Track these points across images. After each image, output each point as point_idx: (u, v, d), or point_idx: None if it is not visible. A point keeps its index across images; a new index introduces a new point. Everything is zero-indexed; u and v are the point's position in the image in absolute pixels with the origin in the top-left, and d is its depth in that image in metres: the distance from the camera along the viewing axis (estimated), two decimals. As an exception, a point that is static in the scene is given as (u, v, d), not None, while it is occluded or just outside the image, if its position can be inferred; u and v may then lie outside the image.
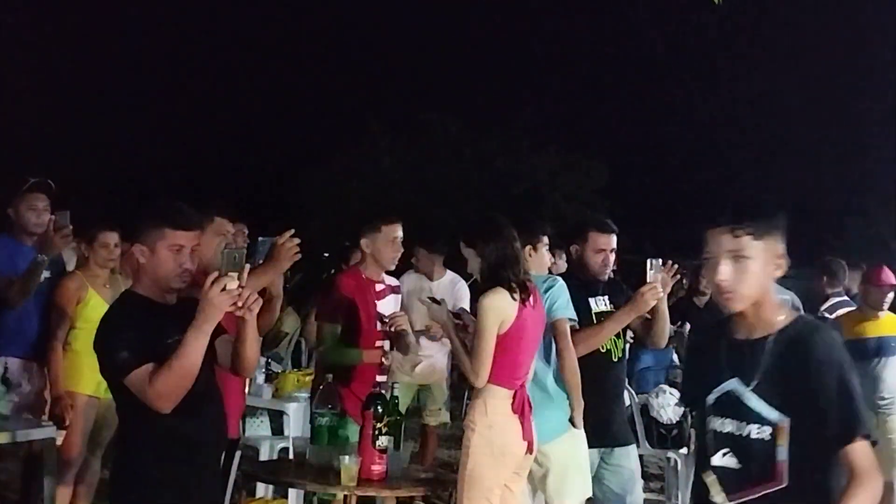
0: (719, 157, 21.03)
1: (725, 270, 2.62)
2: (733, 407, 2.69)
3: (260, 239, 4.67)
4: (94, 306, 5.66)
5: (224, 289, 3.15)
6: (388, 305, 5.25)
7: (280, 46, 21.90)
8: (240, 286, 3.19)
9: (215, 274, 3.19)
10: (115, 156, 21.11)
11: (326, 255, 18.79)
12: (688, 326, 7.87)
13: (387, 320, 5.14)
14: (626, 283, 5.54)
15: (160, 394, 3.15)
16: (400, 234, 5.21)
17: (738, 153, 21.06)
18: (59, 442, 5.43)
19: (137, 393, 3.19)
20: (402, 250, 5.28)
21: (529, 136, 20.39)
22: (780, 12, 18.57)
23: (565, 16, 20.78)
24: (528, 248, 4.81)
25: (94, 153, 20.74)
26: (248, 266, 3.30)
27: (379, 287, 5.22)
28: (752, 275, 2.63)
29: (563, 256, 6.10)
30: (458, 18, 21.70)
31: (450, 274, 7.48)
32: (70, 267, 6.07)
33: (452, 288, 7.41)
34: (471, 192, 20.07)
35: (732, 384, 2.70)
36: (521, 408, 4.40)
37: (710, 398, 2.77)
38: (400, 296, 5.54)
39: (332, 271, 8.34)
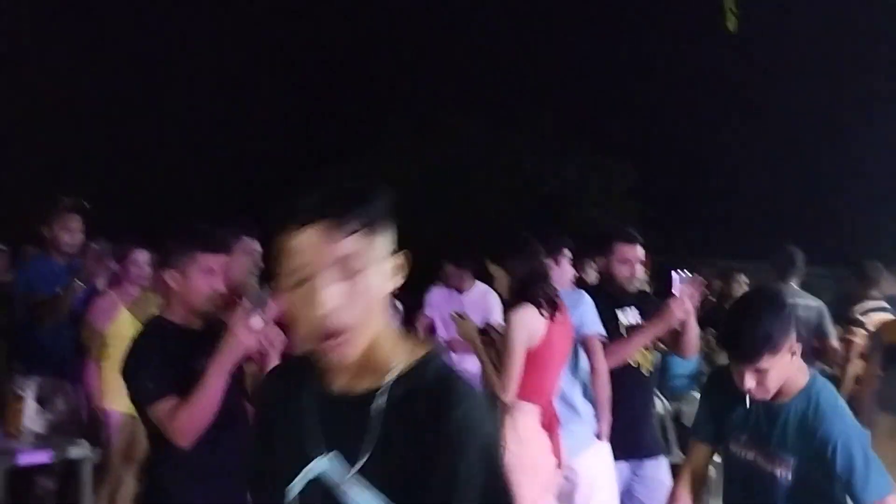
0: (749, 157, 20.87)
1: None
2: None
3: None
4: (126, 324, 5.72)
5: (250, 327, 3.20)
6: None
7: (301, 47, 21.94)
8: (265, 323, 3.24)
9: (242, 313, 3.22)
10: (143, 171, 21.30)
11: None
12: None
13: None
14: (658, 283, 5.52)
15: (181, 431, 3.17)
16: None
17: (766, 151, 20.88)
18: (94, 459, 5.50)
19: (159, 424, 3.22)
20: None
21: (556, 138, 20.30)
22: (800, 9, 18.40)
23: (591, 17, 20.68)
24: (549, 261, 4.81)
25: (124, 170, 20.94)
26: (273, 304, 3.33)
27: None
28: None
29: (594, 266, 6.09)
30: (482, 18, 21.65)
31: (480, 286, 7.45)
32: (102, 286, 6.14)
33: (483, 300, 7.39)
34: (496, 194, 19.99)
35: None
36: (550, 423, 4.41)
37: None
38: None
39: None
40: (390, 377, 1.78)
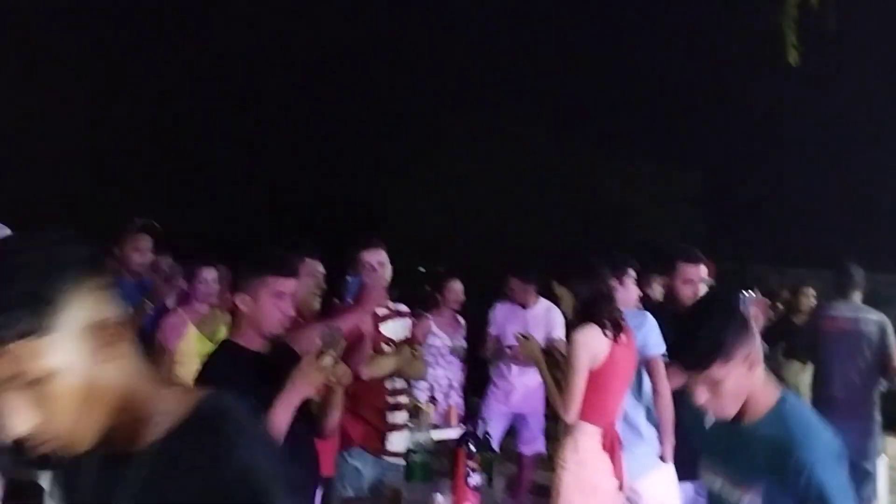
0: (819, 163, 20.53)
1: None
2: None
3: (349, 279, 4.78)
4: (194, 342, 5.82)
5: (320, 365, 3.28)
6: (393, 329, 5.21)
7: (362, 57, 22.11)
8: (334, 362, 3.32)
9: (314, 352, 3.31)
10: (210, 191, 21.66)
11: (422, 269, 18.94)
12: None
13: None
14: (724, 291, 5.49)
15: None
16: (381, 258, 5.03)
17: (832, 157, 20.53)
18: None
19: None
20: (388, 275, 5.04)
21: (619, 146, 20.19)
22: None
23: (656, 27, 20.54)
24: (614, 281, 4.81)
25: (192, 189, 21.34)
26: (343, 343, 3.39)
27: (381, 311, 5.12)
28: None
29: (660, 281, 6.06)
30: (545, 25, 21.61)
31: (544, 302, 7.43)
32: (171, 304, 6.25)
33: (546, 316, 7.37)
34: (558, 203, 19.94)
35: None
36: (612, 445, 4.41)
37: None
38: (407, 320, 5.38)
39: (429, 289, 8.33)
40: (150, 439, 1.59)
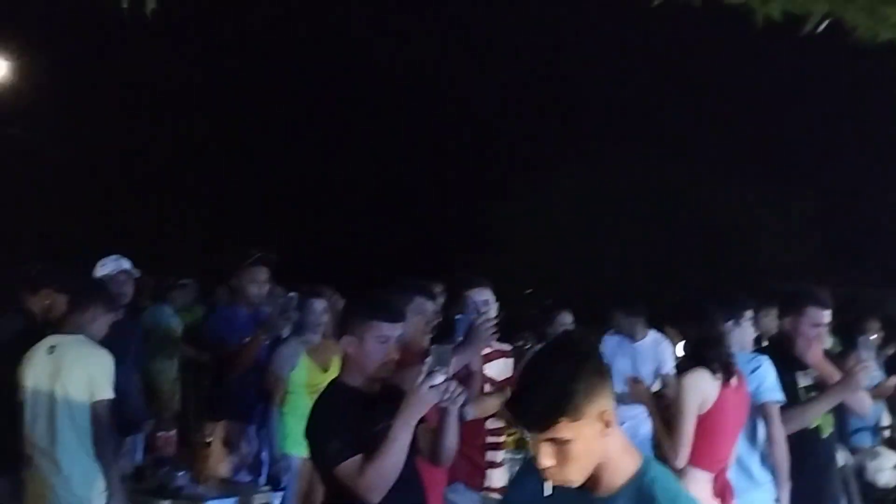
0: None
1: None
2: None
3: (457, 317, 4.84)
4: (307, 372, 5.95)
5: (433, 384, 3.32)
6: (496, 369, 5.20)
7: (468, 83, 22.24)
8: (447, 381, 3.35)
9: (426, 370, 3.35)
10: (328, 223, 22.12)
11: (529, 291, 18.94)
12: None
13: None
14: (837, 318, 5.36)
15: (369, 487, 3.31)
16: (487, 297, 5.04)
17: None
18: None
19: (346, 482, 3.35)
20: (494, 313, 5.02)
21: (735, 168, 19.83)
22: None
23: (773, 46, 20.14)
24: (730, 323, 4.75)
25: (309, 222, 21.83)
26: (454, 361, 3.44)
27: (485, 350, 5.06)
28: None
29: (775, 313, 5.88)
30: (648, 46, 21.40)
31: (652, 334, 7.34)
32: (285, 334, 6.40)
33: (655, 349, 7.27)
34: (674, 228, 19.68)
35: None
36: (723, 491, 4.34)
37: None
38: (510, 360, 5.35)
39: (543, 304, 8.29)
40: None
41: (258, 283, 6.28)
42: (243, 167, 22.10)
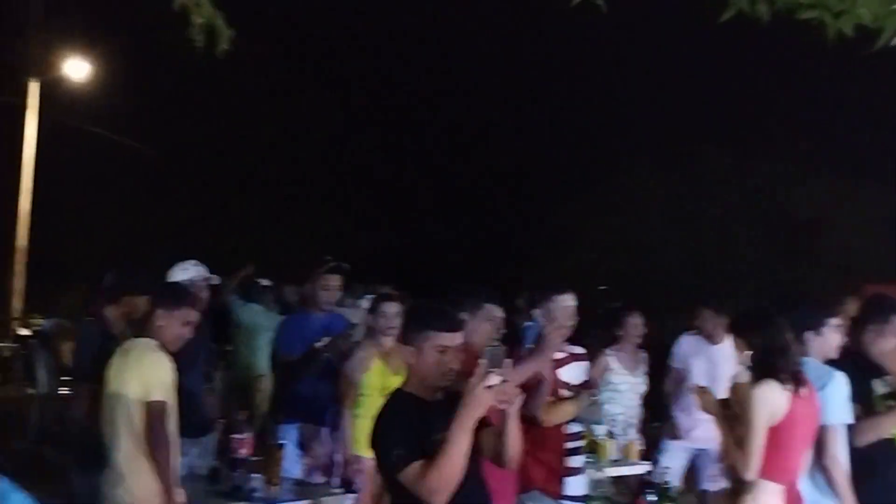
0: None
1: None
2: None
3: (527, 324, 4.85)
4: (379, 374, 6.01)
5: (489, 385, 3.33)
6: (571, 373, 5.18)
7: (548, 85, 22.17)
8: (503, 381, 3.35)
9: (481, 371, 3.36)
10: (405, 231, 22.28)
11: (603, 288, 18.80)
12: None
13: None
14: None
15: (432, 490, 3.35)
16: (572, 303, 5.09)
17: None
18: (348, 506, 5.79)
19: (410, 488, 3.39)
20: (571, 321, 5.08)
21: (808, 164, 19.43)
22: None
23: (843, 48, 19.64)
24: (810, 332, 4.67)
25: (384, 221, 22.00)
26: (509, 361, 3.45)
27: (559, 355, 5.10)
28: None
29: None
30: (726, 45, 21.11)
31: (730, 338, 7.21)
32: (357, 338, 6.47)
33: (734, 353, 7.16)
34: (748, 223, 19.37)
35: None
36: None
37: None
38: (585, 364, 5.38)
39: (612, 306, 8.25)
40: None
41: (330, 289, 6.41)
42: (318, 169, 22.37)
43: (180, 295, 5.15)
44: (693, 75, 20.87)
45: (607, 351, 7.39)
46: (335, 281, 6.45)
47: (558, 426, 5.01)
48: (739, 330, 4.48)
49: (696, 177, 19.84)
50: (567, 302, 5.04)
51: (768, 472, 4.26)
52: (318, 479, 6.15)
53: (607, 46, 21.39)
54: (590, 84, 22.28)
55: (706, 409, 4.69)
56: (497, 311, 5.02)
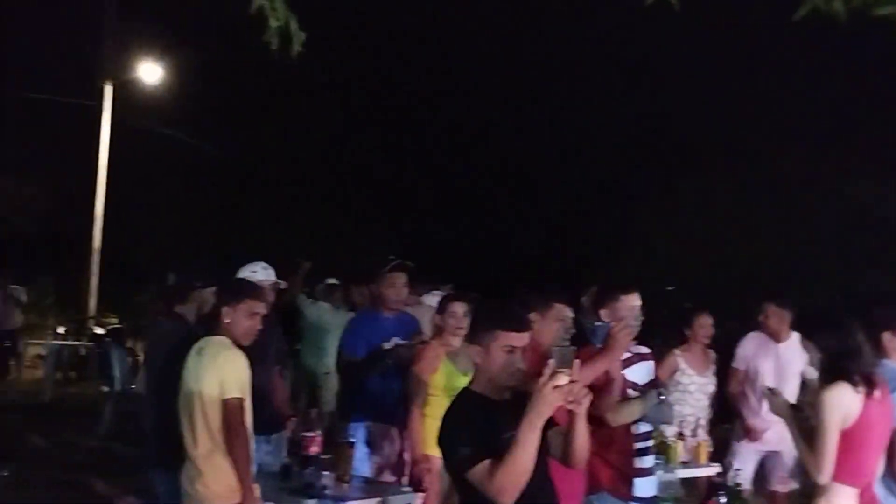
0: None
1: None
2: None
3: (597, 324, 4.84)
4: (447, 374, 6.05)
5: (557, 385, 3.31)
6: (637, 373, 5.17)
7: (606, 84, 22.03)
8: (571, 381, 3.34)
9: (549, 371, 3.35)
10: (470, 231, 22.34)
11: (670, 288, 18.64)
12: None
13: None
14: None
15: (500, 489, 3.35)
16: (638, 303, 5.06)
17: None
18: (417, 504, 5.83)
19: (478, 487, 3.40)
20: (639, 321, 5.04)
21: (882, 162, 19.04)
22: None
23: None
24: (886, 333, 4.61)
25: (447, 228, 22.09)
26: (577, 362, 3.44)
27: (625, 355, 5.05)
28: None
29: None
30: (796, 51, 20.81)
31: (796, 335, 7.15)
32: (426, 337, 6.51)
33: (801, 350, 7.08)
34: (821, 224, 19.05)
35: None
36: (870, 507, 4.23)
37: None
38: (651, 363, 5.34)
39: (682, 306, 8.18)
40: None
41: (396, 288, 6.45)
42: (379, 169, 22.50)
43: (244, 288, 5.18)
44: (763, 74, 20.59)
45: (676, 351, 7.35)
46: (401, 279, 6.48)
47: (626, 426, 4.98)
48: (810, 332, 4.42)
49: (765, 177, 19.57)
50: (633, 301, 5.02)
51: (841, 476, 4.21)
52: (388, 477, 6.21)
53: (682, 45, 21.25)
54: (655, 85, 22.12)
55: (777, 412, 4.65)
56: (567, 311, 5.03)
